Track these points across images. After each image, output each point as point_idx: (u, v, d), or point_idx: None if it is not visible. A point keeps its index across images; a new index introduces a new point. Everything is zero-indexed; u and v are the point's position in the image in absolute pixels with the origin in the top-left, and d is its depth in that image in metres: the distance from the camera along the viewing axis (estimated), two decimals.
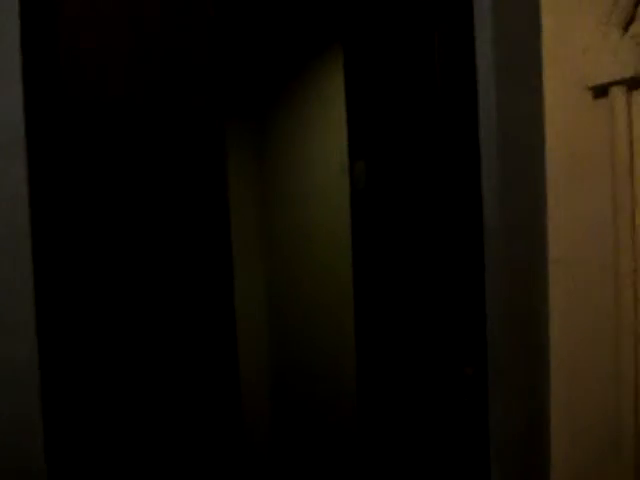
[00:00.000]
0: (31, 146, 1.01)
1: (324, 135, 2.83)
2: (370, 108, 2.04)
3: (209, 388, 1.23)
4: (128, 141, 1.15)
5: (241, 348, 1.31)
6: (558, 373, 1.43)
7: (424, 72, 1.74)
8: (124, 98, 1.15)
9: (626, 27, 1.29)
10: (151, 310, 1.16)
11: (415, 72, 1.79)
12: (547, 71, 1.44)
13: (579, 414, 1.39)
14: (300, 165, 3.06)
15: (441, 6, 1.68)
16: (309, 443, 3.13)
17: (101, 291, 1.12)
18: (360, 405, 2.15)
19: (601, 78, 1.31)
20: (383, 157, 1.99)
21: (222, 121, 1.28)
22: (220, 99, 1.27)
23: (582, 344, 1.38)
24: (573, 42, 1.39)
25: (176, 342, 1.19)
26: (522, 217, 1.47)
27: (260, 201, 3.42)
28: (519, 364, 1.46)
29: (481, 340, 1.52)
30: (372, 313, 2.07)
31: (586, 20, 1.36)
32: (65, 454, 1.06)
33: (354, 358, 2.19)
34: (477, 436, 1.54)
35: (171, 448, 1.17)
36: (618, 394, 1.27)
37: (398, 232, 1.92)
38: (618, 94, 1.28)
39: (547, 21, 1.45)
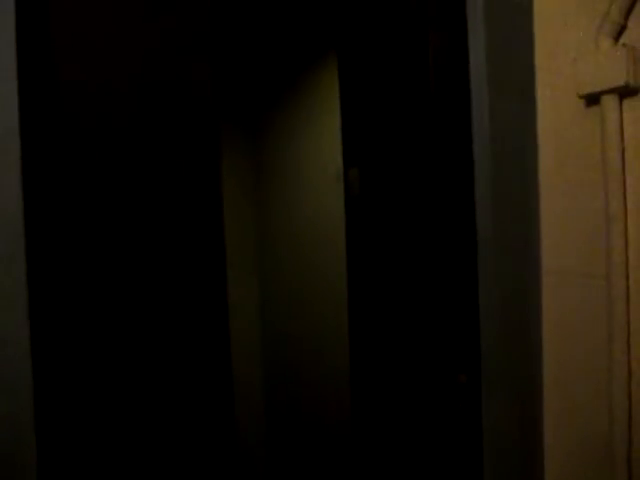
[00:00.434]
0: (25, 151, 1.01)
1: (319, 142, 2.84)
2: (364, 115, 2.05)
3: (202, 390, 1.23)
4: (123, 144, 1.15)
5: (233, 351, 1.30)
6: (551, 382, 1.43)
7: (418, 80, 1.75)
8: (120, 103, 1.15)
9: (617, 36, 1.29)
10: (145, 312, 1.16)
11: (409, 80, 1.79)
12: (539, 79, 1.45)
13: (572, 423, 1.39)
14: (295, 171, 3.06)
15: (435, 15, 1.69)
16: (302, 448, 3.13)
17: (95, 293, 1.12)
18: (354, 411, 2.15)
19: (593, 87, 1.31)
20: (377, 164, 2.00)
21: (218, 126, 1.28)
22: (216, 105, 1.27)
23: (575, 353, 1.39)
24: (565, 51, 1.40)
25: (170, 344, 1.19)
26: (515, 226, 1.47)
27: (254, 206, 3.42)
28: (512, 372, 1.46)
29: (475, 348, 1.52)
30: (366, 319, 2.07)
31: (578, 29, 1.37)
32: (57, 458, 1.05)
33: (348, 364, 2.19)
34: (470, 443, 1.54)
35: (164, 450, 1.17)
36: (611, 403, 1.28)
37: (392, 239, 1.92)
38: (610, 102, 1.29)
39: (539, 30, 1.46)
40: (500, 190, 1.47)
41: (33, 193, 1.03)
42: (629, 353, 1.25)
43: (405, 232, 1.87)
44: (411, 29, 1.76)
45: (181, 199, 1.22)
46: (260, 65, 3.32)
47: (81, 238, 1.11)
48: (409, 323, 1.84)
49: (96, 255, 1.12)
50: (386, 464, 1.95)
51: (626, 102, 1.29)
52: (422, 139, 1.76)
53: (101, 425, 1.11)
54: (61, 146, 1.09)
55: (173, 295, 1.20)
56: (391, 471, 1.92)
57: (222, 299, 1.28)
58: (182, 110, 1.23)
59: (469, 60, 1.52)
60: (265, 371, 3.44)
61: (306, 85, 2.93)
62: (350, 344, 2.16)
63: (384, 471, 1.96)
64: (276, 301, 3.31)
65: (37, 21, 1.05)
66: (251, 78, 3.37)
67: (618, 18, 1.27)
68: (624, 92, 1.28)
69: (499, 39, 1.47)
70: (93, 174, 1.12)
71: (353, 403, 2.16)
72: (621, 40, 1.29)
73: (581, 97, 1.35)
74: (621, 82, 1.26)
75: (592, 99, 1.33)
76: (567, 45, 1.39)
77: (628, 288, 1.26)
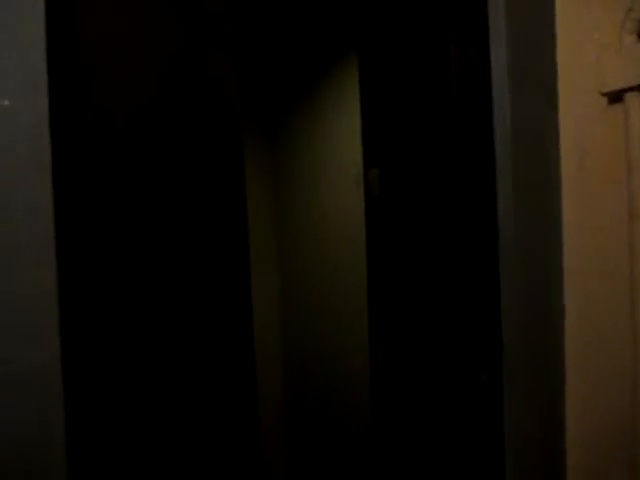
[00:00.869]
0: (56, 157, 1.03)
1: (339, 142, 2.85)
2: (385, 116, 2.05)
3: (227, 392, 1.24)
4: (150, 145, 1.16)
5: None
6: (573, 380, 1.43)
7: (439, 80, 1.75)
8: (144, 106, 1.16)
9: None
10: (172, 312, 1.18)
11: (430, 80, 1.79)
12: (562, 77, 1.44)
13: (594, 421, 1.38)
14: (315, 172, 3.07)
15: (456, 14, 1.68)
16: (323, 448, 3.13)
17: (124, 296, 1.13)
18: (374, 412, 2.15)
19: (616, 84, 1.31)
20: (397, 164, 2.00)
21: (240, 127, 1.30)
22: (239, 105, 1.29)
23: (597, 351, 1.38)
24: (588, 48, 1.39)
25: (195, 345, 1.20)
26: (537, 224, 1.47)
27: (274, 207, 3.44)
28: (534, 371, 1.45)
29: (497, 347, 1.52)
30: (387, 319, 2.07)
31: (600, 26, 1.36)
32: (86, 457, 1.07)
33: (368, 364, 2.19)
34: (493, 442, 1.54)
35: (189, 454, 1.18)
36: (634, 400, 1.27)
37: (413, 239, 1.92)
38: (633, 100, 1.28)
39: (562, 27, 1.45)
40: (522, 189, 1.47)
41: (63, 195, 1.04)
42: None
43: (426, 232, 1.86)
44: (432, 28, 1.76)
45: (206, 199, 1.23)
46: (280, 66, 3.34)
47: (111, 242, 1.12)
48: (430, 323, 1.84)
49: (125, 259, 1.14)
50: (407, 465, 1.95)
51: None
52: (443, 139, 1.75)
53: (128, 425, 1.13)
54: (90, 146, 1.11)
55: (199, 295, 1.21)
56: (413, 472, 1.92)
57: (246, 299, 1.29)
58: (206, 111, 1.24)
59: (490, 59, 1.51)
60: (285, 371, 3.46)
61: (326, 85, 2.94)
62: (370, 344, 2.16)
63: (405, 472, 1.96)
64: (296, 301, 3.33)
65: (65, 22, 1.07)
66: (271, 79, 3.39)
67: None
68: None
69: (521, 37, 1.46)
70: (120, 175, 1.14)
71: (373, 403, 2.16)
72: None
73: (604, 95, 1.35)
74: None
75: (615, 97, 1.33)
76: (589, 43, 1.39)
77: None
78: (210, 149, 1.23)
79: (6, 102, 1.00)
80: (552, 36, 1.46)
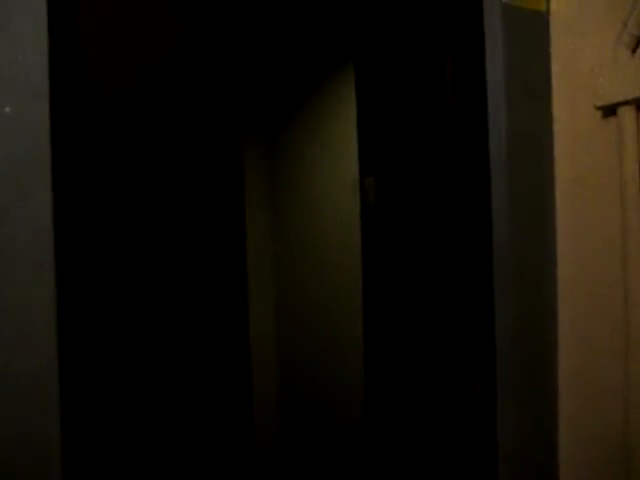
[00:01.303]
0: (56, 163, 1.03)
1: (335, 151, 2.86)
2: (381, 125, 2.07)
3: (222, 396, 1.24)
4: (148, 149, 1.17)
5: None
6: (566, 389, 1.44)
7: (435, 90, 1.76)
8: (145, 118, 1.17)
9: (635, 48, 1.31)
10: (170, 317, 1.18)
11: (426, 90, 1.81)
12: (556, 90, 1.46)
13: (587, 430, 1.40)
14: (311, 180, 3.09)
15: (452, 26, 1.70)
16: (315, 457, 3.13)
17: (121, 300, 1.13)
18: (368, 420, 2.15)
19: (610, 98, 1.33)
20: (393, 174, 2.01)
21: (240, 133, 1.31)
22: (239, 111, 1.30)
23: (590, 361, 1.39)
24: (582, 62, 1.41)
25: (191, 350, 1.21)
26: (531, 235, 1.48)
27: (271, 214, 3.44)
28: (527, 380, 1.46)
29: (491, 356, 1.53)
30: (382, 327, 2.08)
31: (595, 41, 1.38)
32: (80, 458, 1.07)
33: (363, 372, 2.20)
34: (486, 450, 1.55)
35: (184, 455, 1.19)
36: (626, 410, 1.28)
37: (408, 247, 1.94)
38: (627, 114, 1.30)
39: (557, 41, 1.47)
40: (517, 200, 1.48)
41: (63, 200, 1.05)
42: None
43: (420, 241, 1.88)
44: (429, 39, 1.78)
45: (205, 203, 1.24)
46: (278, 74, 3.36)
47: (107, 246, 1.13)
48: (425, 332, 1.85)
49: (122, 262, 1.14)
50: (401, 472, 1.96)
51: None
52: (439, 149, 1.77)
53: (123, 427, 1.13)
54: (89, 152, 1.12)
55: (196, 299, 1.22)
56: (407, 477, 1.92)
57: (243, 304, 1.29)
58: (206, 115, 1.25)
59: (486, 71, 1.53)
60: (280, 378, 3.46)
61: (323, 94, 2.96)
62: (365, 352, 2.17)
63: (400, 477, 1.96)
64: (292, 310, 3.33)
65: (67, 22, 1.08)
66: (269, 87, 3.40)
67: (636, 30, 1.29)
68: None
69: (516, 50, 1.48)
70: (120, 179, 1.14)
71: (367, 411, 2.16)
72: (638, 52, 1.30)
73: (598, 108, 1.36)
74: (638, 94, 1.27)
75: (609, 110, 1.35)
76: (585, 56, 1.41)
77: None
78: (210, 153, 1.24)
79: (7, 109, 1.01)
80: (547, 49, 1.48)
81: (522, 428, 1.45)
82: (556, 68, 1.47)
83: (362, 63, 2.17)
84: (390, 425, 2.02)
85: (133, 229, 1.15)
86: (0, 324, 0.99)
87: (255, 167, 3.38)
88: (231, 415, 1.26)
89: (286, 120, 3.32)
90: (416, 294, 1.89)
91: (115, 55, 1.13)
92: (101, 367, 1.11)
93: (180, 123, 1.21)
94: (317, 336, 3.08)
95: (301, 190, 3.19)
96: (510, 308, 1.48)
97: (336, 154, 2.85)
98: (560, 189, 1.46)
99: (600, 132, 1.38)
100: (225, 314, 1.25)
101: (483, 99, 1.54)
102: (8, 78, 1.01)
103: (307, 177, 3.12)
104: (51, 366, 1.00)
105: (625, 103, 1.30)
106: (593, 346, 1.39)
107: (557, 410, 1.44)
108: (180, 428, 1.18)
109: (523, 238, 1.48)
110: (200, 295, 1.22)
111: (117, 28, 1.13)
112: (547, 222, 1.47)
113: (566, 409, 1.44)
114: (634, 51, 1.30)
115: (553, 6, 1.48)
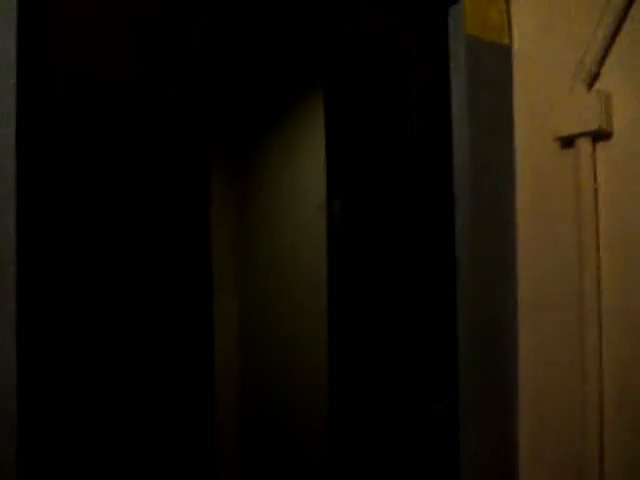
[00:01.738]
0: (20, 149, 1.03)
1: (303, 172, 2.89)
2: (348, 148, 2.11)
3: (184, 399, 1.25)
4: (110, 171, 1.17)
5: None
6: (526, 411, 1.47)
7: (401, 115, 1.81)
8: (106, 134, 1.18)
9: (591, 83, 1.37)
10: (133, 321, 1.18)
11: (393, 115, 1.85)
12: (518, 121, 1.52)
13: (547, 452, 1.43)
14: (278, 201, 3.10)
15: (419, 53, 1.75)
16: (279, 465, 3.11)
17: (83, 301, 1.13)
18: (331, 438, 2.16)
19: (568, 130, 1.39)
20: (360, 196, 2.05)
21: (206, 155, 1.32)
22: (205, 135, 1.31)
23: (549, 383, 1.43)
24: (543, 94, 1.47)
25: (154, 355, 1.21)
26: (493, 259, 1.52)
27: (238, 233, 3.44)
28: (489, 402, 1.49)
29: (452, 378, 1.55)
30: (346, 349, 2.09)
31: (555, 75, 1.45)
32: (38, 458, 1.06)
33: (326, 391, 2.21)
34: (447, 472, 1.57)
35: (144, 465, 1.18)
36: (583, 432, 1.32)
37: (373, 270, 1.96)
38: (583, 145, 1.36)
39: (518, 74, 1.53)
40: (479, 226, 1.52)
41: (25, 198, 1.04)
42: (601, 379, 1.30)
43: (386, 264, 1.91)
44: (395, 66, 1.83)
45: (168, 219, 1.25)
46: (247, 96, 3.38)
47: (68, 249, 1.12)
48: (388, 353, 1.87)
49: (85, 266, 1.14)
50: None
51: (599, 145, 1.36)
52: (405, 173, 1.81)
53: (84, 427, 1.12)
54: (53, 146, 1.11)
55: (160, 310, 1.22)
56: None
57: (207, 318, 1.30)
58: (172, 133, 1.26)
59: (451, 100, 1.58)
60: (242, 393, 3.43)
61: (292, 117, 2.99)
62: (329, 373, 2.18)
63: None
64: (256, 331, 3.32)
65: (37, 20, 1.08)
66: (237, 109, 3.42)
67: (592, 67, 1.35)
68: (597, 136, 1.35)
69: (480, 79, 1.53)
70: (81, 179, 1.14)
71: (330, 430, 2.17)
72: (595, 87, 1.37)
73: (557, 139, 1.42)
74: (594, 126, 1.33)
75: (567, 141, 1.41)
76: (545, 89, 1.47)
77: (600, 319, 1.32)
78: (175, 171, 1.25)
79: None
80: (510, 80, 1.53)
81: (484, 450, 1.47)
82: (518, 99, 1.53)
83: (331, 87, 2.21)
84: (353, 442, 2.03)
85: (96, 231, 1.14)
86: None
87: (222, 186, 3.38)
88: (192, 427, 1.26)
89: (254, 142, 3.34)
90: (380, 316, 1.91)
91: (79, 68, 1.14)
92: (58, 376, 1.10)
93: (146, 137, 1.22)
94: (281, 355, 3.07)
95: (268, 211, 3.20)
96: (472, 330, 1.51)
97: (304, 175, 2.88)
98: (520, 215, 1.51)
99: (559, 161, 1.43)
100: (189, 327, 1.26)
101: (448, 126, 1.59)
102: None
103: (274, 198, 3.14)
104: (9, 369, 0.99)
105: (582, 135, 1.36)
106: (551, 368, 1.43)
107: (518, 433, 1.48)
108: (140, 437, 1.18)
109: (485, 263, 1.52)
110: (164, 306, 1.22)
111: (83, 42, 1.14)
112: (508, 248, 1.52)
113: (526, 432, 1.47)
114: (590, 86, 1.37)
115: (515, 40, 1.54)
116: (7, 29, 1.03)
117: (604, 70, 1.37)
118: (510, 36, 1.54)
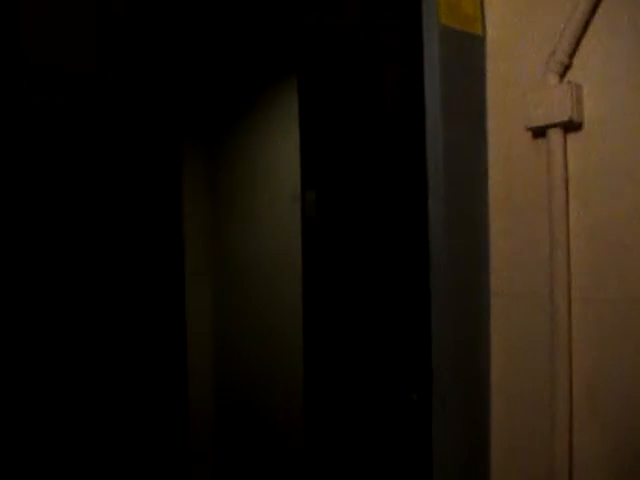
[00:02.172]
0: None
1: (277, 163, 2.88)
2: (323, 139, 2.10)
3: (157, 395, 1.24)
4: (76, 164, 1.16)
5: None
6: (498, 400, 1.49)
7: (375, 107, 1.81)
8: (75, 127, 1.16)
9: (563, 74, 1.38)
10: (104, 318, 1.17)
11: (367, 106, 1.86)
12: (491, 112, 1.53)
13: (517, 440, 1.45)
14: (252, 192, 3.09)
15: (392, 42, 1.75)
16: (254, 460, 3.11)
17: (55, 298, 1.11)
18: (306, 426, 2.17)
19: (539, 120, 1.40)
20: (334, 187, 2.05)
21: (178, 145, 1.31)
22: (176, 124, 1.30)
23: (520, 372, 1.45)
24: (515, 85, 1.48)
25: (127, 351, 1.20)
26: (467, 250, 1.53)
27: (210, 227, 3.42)
28: (462, 393, 1.51)
29: (426, 368, 1.57)
30: (321, 339, 2.10)
31: (527, 65, 1.46)
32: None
33: (302, 381, 2.21)
34: (420, 460, 1.58)
35: (118, 464, 1.17)
36: (552, 421, 1.34)
37: (348, 260, 1.97)
38: (555, 136, 1.37)
39: (492, 64, 1.54)
40: (452, 215, 1.53)
41: None
42: (570, 371, 1.32)
43: (360, 254, 1.91)
44: (370, 58, 1.83)
45: (141, 208, 1.23)
46: (219, 84, 3.35)
47: (35, 246, 1.11)
48: (362, 343, 1.88)
49: (51, 262, 1.12)
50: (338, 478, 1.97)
51: (570, 136, 1.37)
52: (378, 164, 1.81)
53: (54, 423, 1.11)
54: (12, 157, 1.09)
55: (132, 303, 1.21)
56: None
57: (179, 309, 1.30)
58: (143, 122, 1.25)
59: (425, 89, 1.58)
60: (217, 385, 3.43)
61: (266, 107, 2.97)
62: (304, 361, 2.18)
63: None
64: (230, 323, 3.31)
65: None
66: (208, 96, 3.39)
67: (563, 58, 1.36)
68: (568, 126, 1.36)
69: (453, 71, 1.53)
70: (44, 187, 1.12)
71: (305, 418, 2.17)
72: (566, 78, 1.38)
73: (529, 129, 1.43)
74: (565, 117, 1.34)
75: (539, 132, 1.42)
76: (517, 80, 1.48)
77: (570, 310, 1.34)
78: (146, 161, 1.23)
79: None
80: (484, 71, 1.54)
81: (456, 438, 1.49)
82: (491, 89, 1.54)
83: (305, 76, 2.20)
84: (328, 432, 2.04)
85: (57, 231, 1.13)
86: None
87: (194, 177, 3.36)
88: (165, 422, 1.25)
89: (227, 130, 3.32)
90: (355, 306, 1.92)
91: (47, 58, 1.12)
92: (30, 364, 1.08)
93: (115, 127, 1.20)
94: (256, 347, 3.07)
95: (241, 202, 3.19)
96: (446, 321, 1.53)
97: (277, 166, 2.87)
98: (493, 205, 1.52)
99: (531, 152, 1.45)
100: (161, 318, 1.25)
101: (421, 115, 1.59)
102: None
103: (248, 189, 3.13)
104: None
105: (553, 126, 1.37)
106: (522, 357, 1.45)
107: (490, 422, 1.50)
108: (111, 436, 1.17)
109: (458, 253, 1.52)
110: (136, 299, 1.21)
111: (51, 34, 1.12)
112: (481, 237, 1.53)
113: (498, 419, 1.49)
114: (562, 77, 1.38)
115: (489, 30, 1.55)
116: None
117: (575, 61, 1.37)
118: (484, 26, 1.55)
